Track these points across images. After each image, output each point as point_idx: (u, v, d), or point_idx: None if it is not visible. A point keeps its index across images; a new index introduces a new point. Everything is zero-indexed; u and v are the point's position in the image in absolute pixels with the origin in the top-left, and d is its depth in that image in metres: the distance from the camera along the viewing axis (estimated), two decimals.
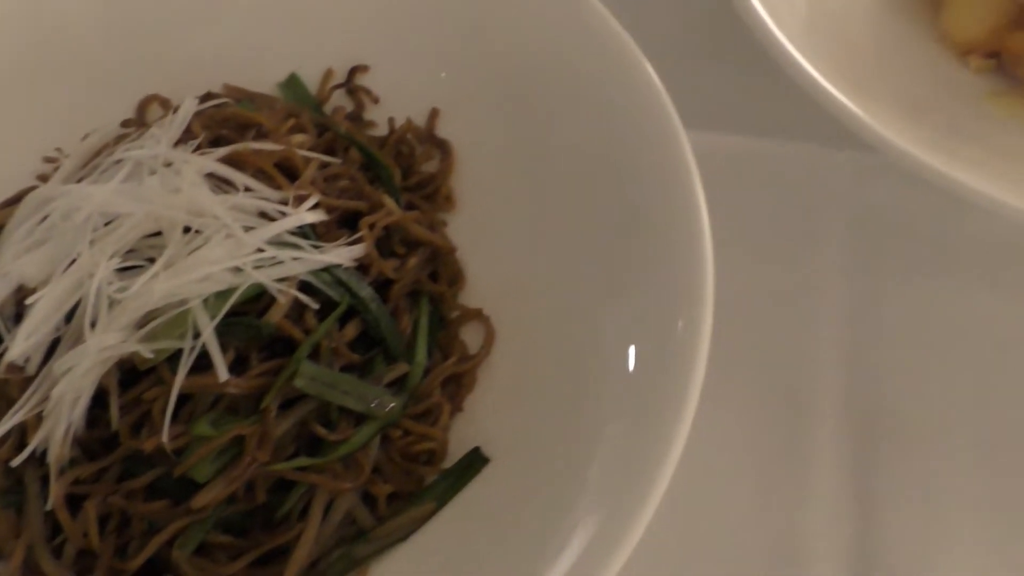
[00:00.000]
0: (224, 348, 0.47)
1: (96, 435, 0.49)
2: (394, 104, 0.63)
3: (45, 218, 0.51)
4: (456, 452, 0.52)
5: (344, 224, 0.54)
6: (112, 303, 0.47)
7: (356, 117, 0.63)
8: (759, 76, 0.60)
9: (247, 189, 0.52)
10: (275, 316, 0.49)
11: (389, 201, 0.56)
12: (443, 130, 0.62)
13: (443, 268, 0.57)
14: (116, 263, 0.48)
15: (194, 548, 0.47)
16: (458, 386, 0.54)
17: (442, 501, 0.50)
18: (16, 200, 0.56)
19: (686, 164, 0.51)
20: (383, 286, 0.54)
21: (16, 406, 0.48)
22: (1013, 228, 0.53)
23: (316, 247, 0.51)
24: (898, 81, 0.64)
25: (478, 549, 0.47)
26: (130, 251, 0.49)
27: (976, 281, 0.60)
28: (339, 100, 0.64)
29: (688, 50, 0.68)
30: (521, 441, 0.50)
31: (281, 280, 0.49)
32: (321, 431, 0.49)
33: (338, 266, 0.51)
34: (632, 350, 0.48)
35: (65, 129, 0.61)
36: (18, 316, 0.50)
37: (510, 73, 0.60)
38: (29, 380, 0.49)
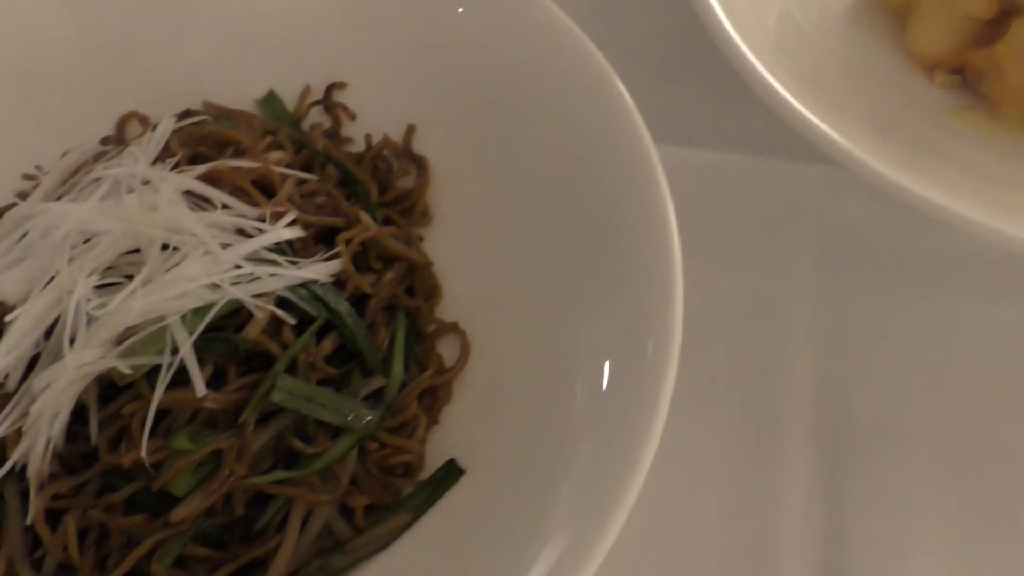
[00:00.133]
0: (202, 363, 0.48)
1: (75, 450, 0.49)
2: (371, 120, 0.64)
3: (24, 235, 0.52)
4: (432, 463, 0.52)
5: (321, 240, 0.55)
6: (91, 320, 0.48)
7: (334, 133, 0.64)
8: (729, 91, 0.60)
9: (225, 206, 0.52)
10: (253, 331, 0.49)
11: (365, 217, 0.57)
12: (419, 146, 0.63)
13: (419, 282, 0.58)
14: (95, 280, 0.49)
15: (173, 561, 0.47)
16: (434, 399, 0.54)
17: (418, 512, 0.50)
18: None
19: (656, 179, 0.52)
20: (360, 301, 0.54)
21: None
22: (977, 241, 0.54)
23: (293, 263, 0.52)
24: (865, 96, 0.65)
25: (453, 560, 0.48)
26: (109, 268, 0.50)
27: (942, 292, 0.61)
28: (317, 116, 0.65)
29: (658, 66, 0.69)
30: (496, 453, 0.51)
31: (259, 296, 0.50)
32: (298, 444, 0.49)
33: (315, 281, 0.52)
34: (607, 366, 0.49)
35: (44, 146, 0.61)
36: None
37: (485, 90, 0.61)
38: (9, 396, 0.49)
